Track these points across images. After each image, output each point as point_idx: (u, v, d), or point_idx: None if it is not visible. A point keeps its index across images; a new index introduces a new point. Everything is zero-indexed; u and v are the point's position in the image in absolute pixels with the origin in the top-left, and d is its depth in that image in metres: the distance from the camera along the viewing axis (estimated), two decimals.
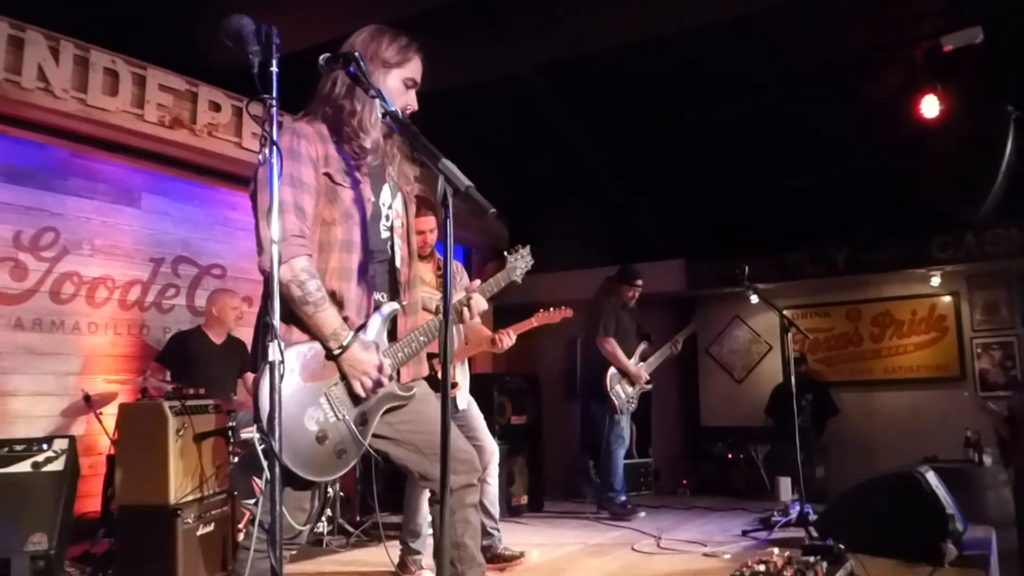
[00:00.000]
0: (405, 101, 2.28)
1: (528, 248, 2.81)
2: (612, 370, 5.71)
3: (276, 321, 1.83)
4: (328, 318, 2.07)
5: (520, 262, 2.76)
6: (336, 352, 2.09)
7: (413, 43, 2.29)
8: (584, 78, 6.61)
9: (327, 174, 2.16)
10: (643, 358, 5.91)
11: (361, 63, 2.03)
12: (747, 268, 5.29)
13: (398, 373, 2.30)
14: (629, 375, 5.76)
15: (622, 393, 5.74)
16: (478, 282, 2.57)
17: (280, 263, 1.98)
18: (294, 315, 2.08)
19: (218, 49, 2.12)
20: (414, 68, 2.29)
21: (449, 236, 1.79)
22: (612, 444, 5.72)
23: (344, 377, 2.13)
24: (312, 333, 2.10)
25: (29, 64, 4.37)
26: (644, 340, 6.00)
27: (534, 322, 3.97)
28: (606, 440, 5.76)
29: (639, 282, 5.96)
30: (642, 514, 5.59)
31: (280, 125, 1.95)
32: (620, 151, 7.60)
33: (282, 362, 1.84)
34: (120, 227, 5.50)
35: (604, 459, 5.81)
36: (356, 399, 2.16)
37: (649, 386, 5.96)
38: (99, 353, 5.29)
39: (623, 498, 5.72)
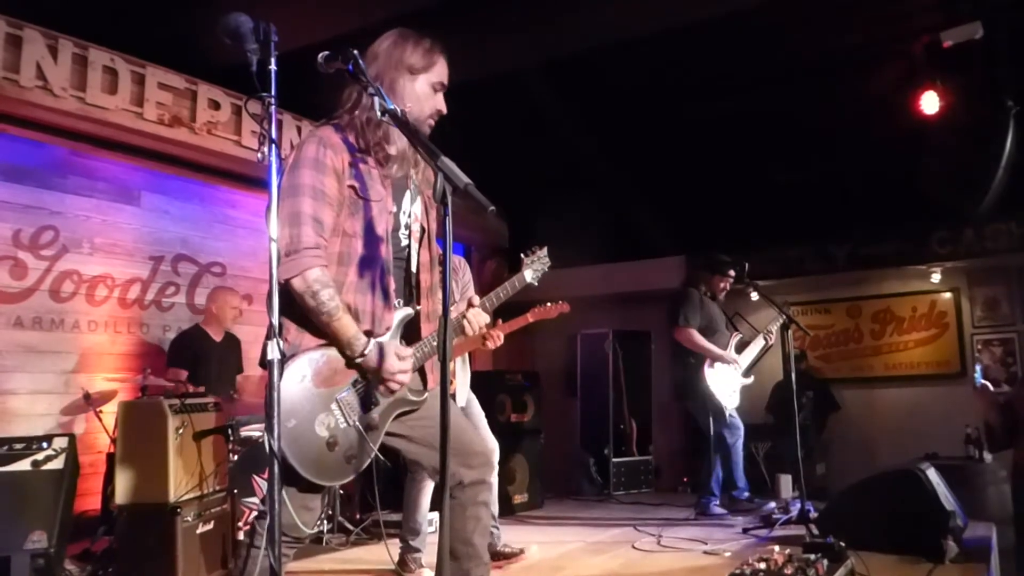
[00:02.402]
0: (434, 105, 2.27)
1: (545, 249, 2.76)
2: (707, 366, 5.37)
3: (275, 319, 1.83)
4: (344, 327, 2.07)
5: (537, 264, 2.73)
6: (356, 359, 2.09)
7: (436, 44, 2.28)
8: (583, 75, 6.60)
9: (352, 187, 2.15)
10: (738, 350, 5.54)
11: (360, 60, 2.02)
12: (747, 265, 5.27)
13: (424, 377, 2.31)
14: (722, 360, 5.39)
15: (724, 387, 5.39)
16: (476, 298, 2.55)
17: (294, 275, 2.02)
18: (308, 320, 2.08)
19: (217, 47, 2.11)
20: (440, 71, 2.28)
21: (448, 234, 1.78)
22: (728, 439, 5.36)
23: (356, 383, 2.14)
24: (326, 338, 2.10)
25: (27, 63, 4.36)
26: (738, 332, 5.65)
27: (529, 318, 3.92)
28: (717, 437, 5.40)
29: (732, 272, 5.61)
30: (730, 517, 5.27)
31: (280, 124, 1.95)
32: (619, 147, 7.59)
33: (282, 360, 1.84)
34: (120, 225, 5.50)
35: (722, 457, 5.45)
36: (366, 405, 2.16)
37: (749, 379, 5.56)
38: (99, 351, 5.29)
39: (747, 494, 5.43)
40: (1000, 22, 5.35)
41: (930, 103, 5.81)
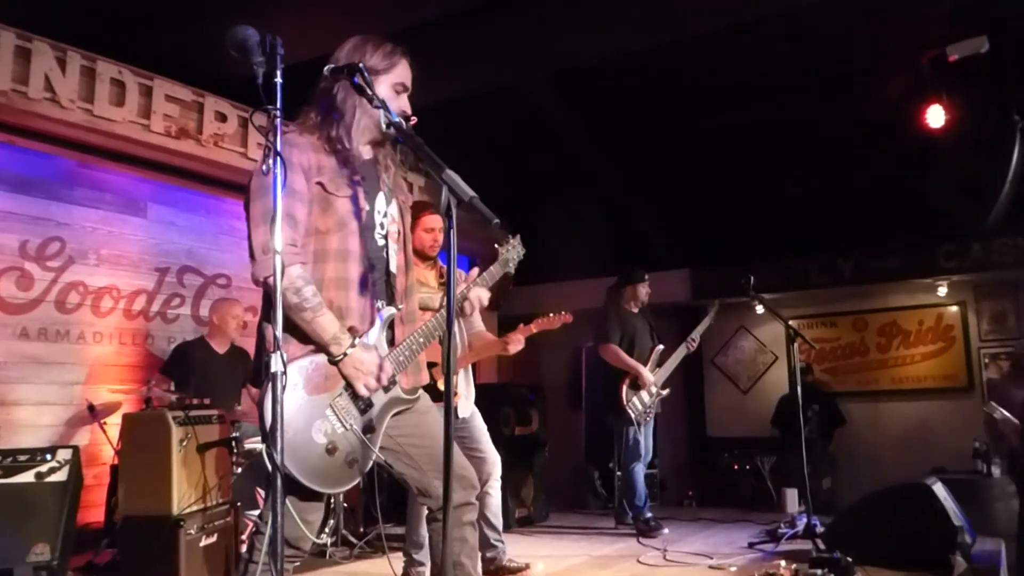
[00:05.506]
0: (399, 106, 2.26)
1: (518, 237, 2.79)
2: (627, 382, 5.43)
3: (279, 331, 1.83)
4: (327, 323, 2.07)
5: (512, 252, 2.75)
6: (338, 358, 2.09)
7: (397, 48, 2.29)
8: (588, 86, 6.62)
9: (320, 183, 2.15)
10: (660, 363, 5.59)
11: (365, 73, 2.03)
12: (752, 278, 5.27)
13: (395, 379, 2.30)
14: (639, 379, 5.42)
15: (639, 404, 5.43)
16: (475, 271, 2.57)
17: (272, 272, 2.01)
18: (292, 326, 2.07)
19: (224, 60, 2.13)
20: (401, 73, 2.28)
21: (452, 247, 1.78)
22: (628, 461, 5.47)
23: (348, 386, 2.13)
24: (311, 341, 2.09)
25: (36, 74, 4.38)
26: (660, 344, 5.66)
27: (533, 328, 3.91)
28: (623, 456, 5.54)
29: (644, 278, 5.68)
30: (666, 530, 5.32)
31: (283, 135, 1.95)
32: (624, 160, 7.60)
33: (284, 373, 1.83)
34: (126, 237, 5.51)
35: (622, 476, 5.62)
36: (361, 408, 2.15)
37: (665, 391, 5.60)
38: (104, 363, 5.29)
39: (648, 514, 5.44)
40: (1006, 36, 5.36)
41: (936, 117, 5.81)
